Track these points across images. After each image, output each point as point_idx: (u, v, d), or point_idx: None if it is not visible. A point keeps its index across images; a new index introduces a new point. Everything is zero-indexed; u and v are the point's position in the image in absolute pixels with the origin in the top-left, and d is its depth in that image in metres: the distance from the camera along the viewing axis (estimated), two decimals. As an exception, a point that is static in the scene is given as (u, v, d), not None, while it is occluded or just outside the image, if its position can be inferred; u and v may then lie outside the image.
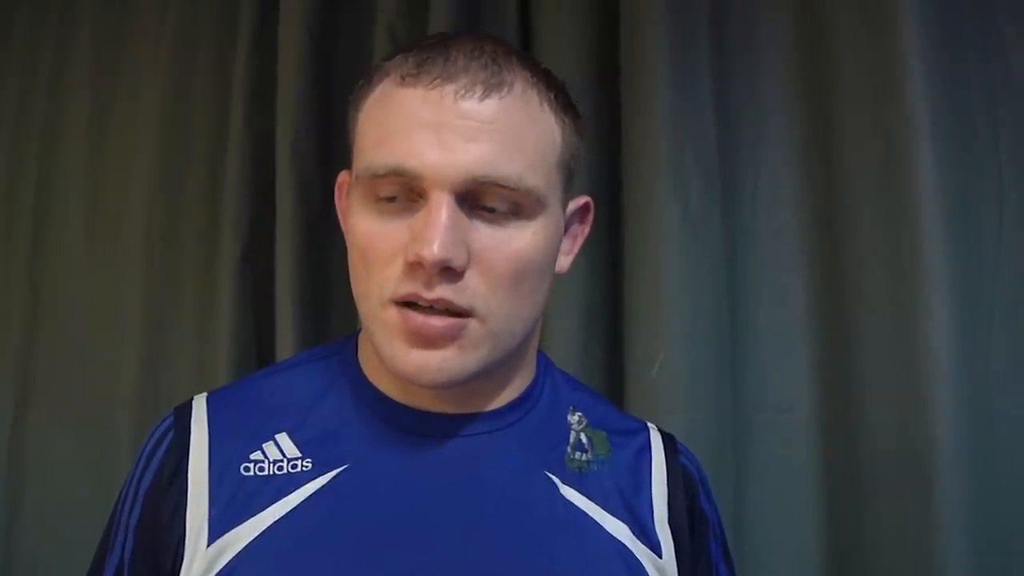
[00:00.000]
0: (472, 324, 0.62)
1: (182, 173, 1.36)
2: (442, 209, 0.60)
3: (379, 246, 0.62)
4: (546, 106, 0.66)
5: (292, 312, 1.22)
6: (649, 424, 0.78)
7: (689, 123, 1.12)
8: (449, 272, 0.60)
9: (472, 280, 0.61)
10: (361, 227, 0.64)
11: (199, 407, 0.70)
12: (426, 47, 0.65)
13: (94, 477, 1.32)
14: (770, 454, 1.10)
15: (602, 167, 1.17)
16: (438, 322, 0.61)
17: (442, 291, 0.60)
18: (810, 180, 1.12)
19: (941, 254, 1.00)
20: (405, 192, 0.62)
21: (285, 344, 1.21)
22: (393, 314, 0.62)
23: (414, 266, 0.60)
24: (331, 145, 1.26)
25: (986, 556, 0.97)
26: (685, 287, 1.09)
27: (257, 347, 1.27)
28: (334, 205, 0.73)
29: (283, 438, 0.67)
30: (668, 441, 0.76)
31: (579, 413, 0.73)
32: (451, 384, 0.63)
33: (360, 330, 0.73)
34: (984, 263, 1.04)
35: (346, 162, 0.70)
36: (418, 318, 0.61)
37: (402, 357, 0.62)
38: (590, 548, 0.67)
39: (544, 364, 0.76)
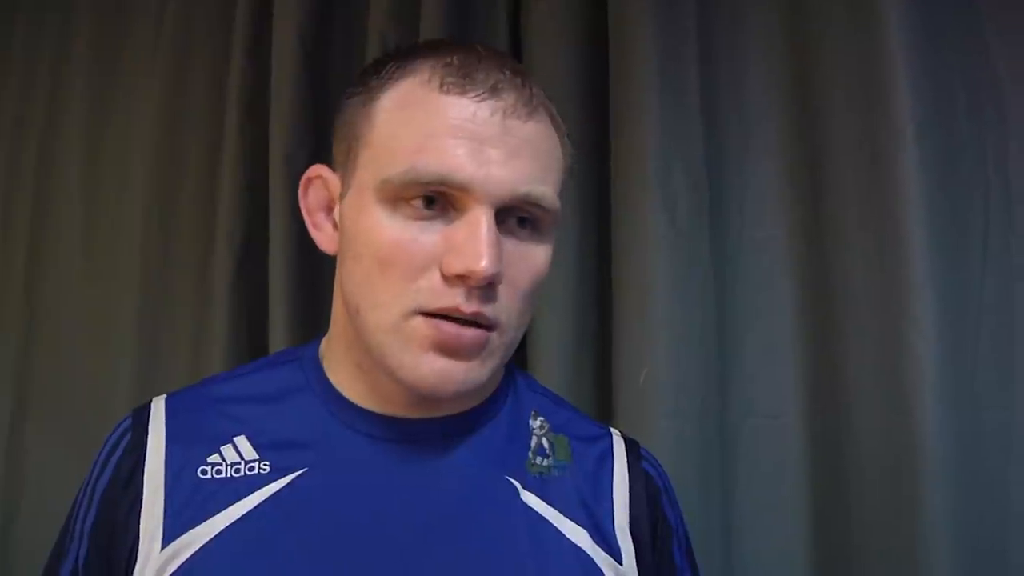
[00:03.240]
0: (493, 336, 0.63)
1: (177, 184, 1.36)
2: (485, 224, 0.60)
3: (408, 255, 0.61)
4: (552, 125, 0.67)
5: (286, 324, 1.22)
6: (613, 430, 0.78)
7: (677, 133, 1.11)
8: (489, 287, 0.61)
9: (502, 294, 0.62)
10: (386, 234, 0.61)
11: (157, 409, 0.69)
12: (456, 51, 0.64)
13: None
14: (758, 460, 1.09)
15: (590, 177, 1.17)
16: (471, 333, 0.61)
17: (479, 305, 0.61)
18: (797, 190, 1.11)
19: (927, 262, 0.99)
20: (441, 202, 0.61)
21: (279, 354, 1.21)
22: (420, 324, 0.61)
23: (456, 279, 0.60)
24: (326, 155, 1.26)
25: (971, 563, 0.96)
26: (673, 295, 1.09)
27: (251, 358, 1.27)
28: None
29: (242, 441, 0.66)
30: (631, 447, 0.76)
31: (541, 418, 0.73)
32: (466, 394, 0.64)
33: (323, 336, 0.73)
34: (970, 271, 1.03)
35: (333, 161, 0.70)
36: (452, 328, 0.61)
37: (428, 366, 0.61)
38: (549, 553, 0.66)
39: (507, 369, 0.76)
